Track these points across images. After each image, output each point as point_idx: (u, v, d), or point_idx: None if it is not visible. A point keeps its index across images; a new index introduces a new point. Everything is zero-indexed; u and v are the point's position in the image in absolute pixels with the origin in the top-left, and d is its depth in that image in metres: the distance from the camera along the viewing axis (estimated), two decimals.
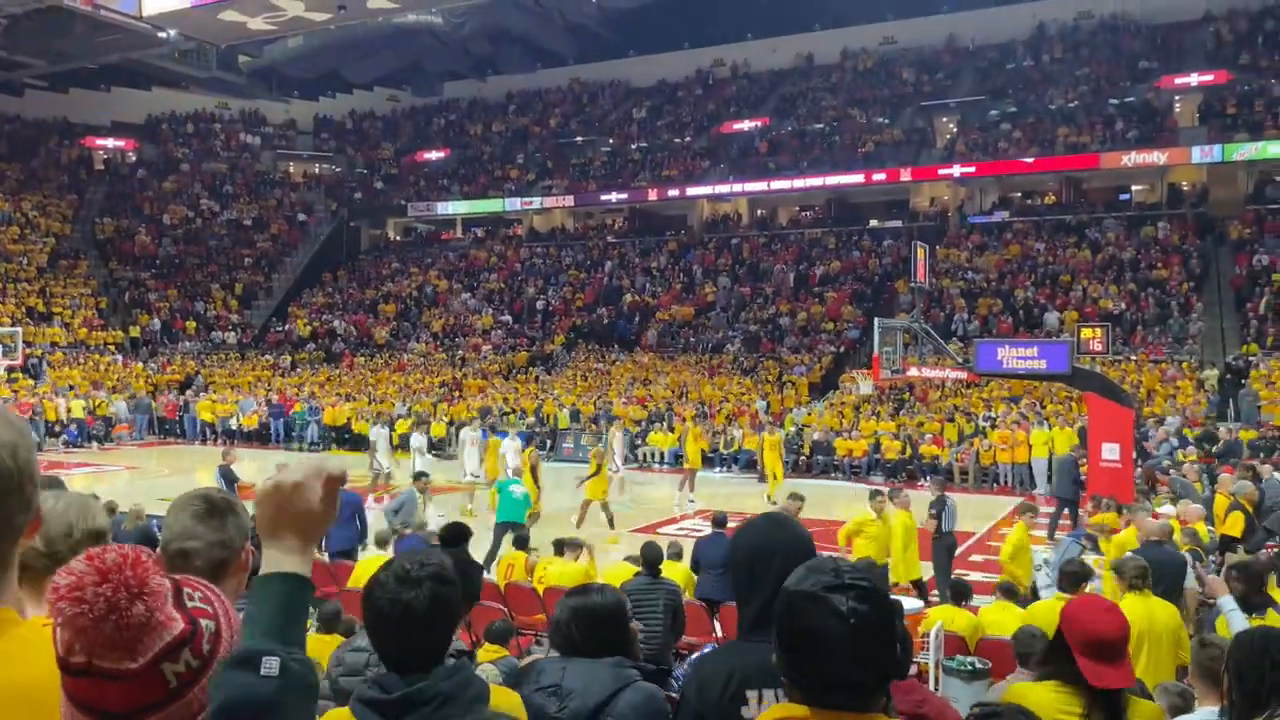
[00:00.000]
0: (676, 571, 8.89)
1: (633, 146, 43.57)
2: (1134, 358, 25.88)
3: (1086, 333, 18.77)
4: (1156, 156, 31.90)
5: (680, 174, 40.25)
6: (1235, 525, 9.92)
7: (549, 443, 25.20)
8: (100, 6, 28.73)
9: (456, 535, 6.01)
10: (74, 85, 43.54)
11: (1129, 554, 6.93)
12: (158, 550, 1.87)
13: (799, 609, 1.56)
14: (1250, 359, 24.63)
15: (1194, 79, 34.41)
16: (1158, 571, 7.30)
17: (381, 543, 9.64)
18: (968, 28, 41.45)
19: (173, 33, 32.59)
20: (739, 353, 31.39)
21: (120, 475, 22.90)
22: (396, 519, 11.44)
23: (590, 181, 41.97)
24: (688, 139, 42.85)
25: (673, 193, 39.48)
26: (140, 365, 34.84)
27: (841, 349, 30.18)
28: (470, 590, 2.96)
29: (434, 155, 47.75)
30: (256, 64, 42.77)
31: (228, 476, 13.78)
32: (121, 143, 46.53)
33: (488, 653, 6.45)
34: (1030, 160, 33.87)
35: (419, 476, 12.44)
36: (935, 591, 10.77)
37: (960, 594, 8.00)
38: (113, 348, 35.88)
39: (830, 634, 1.52)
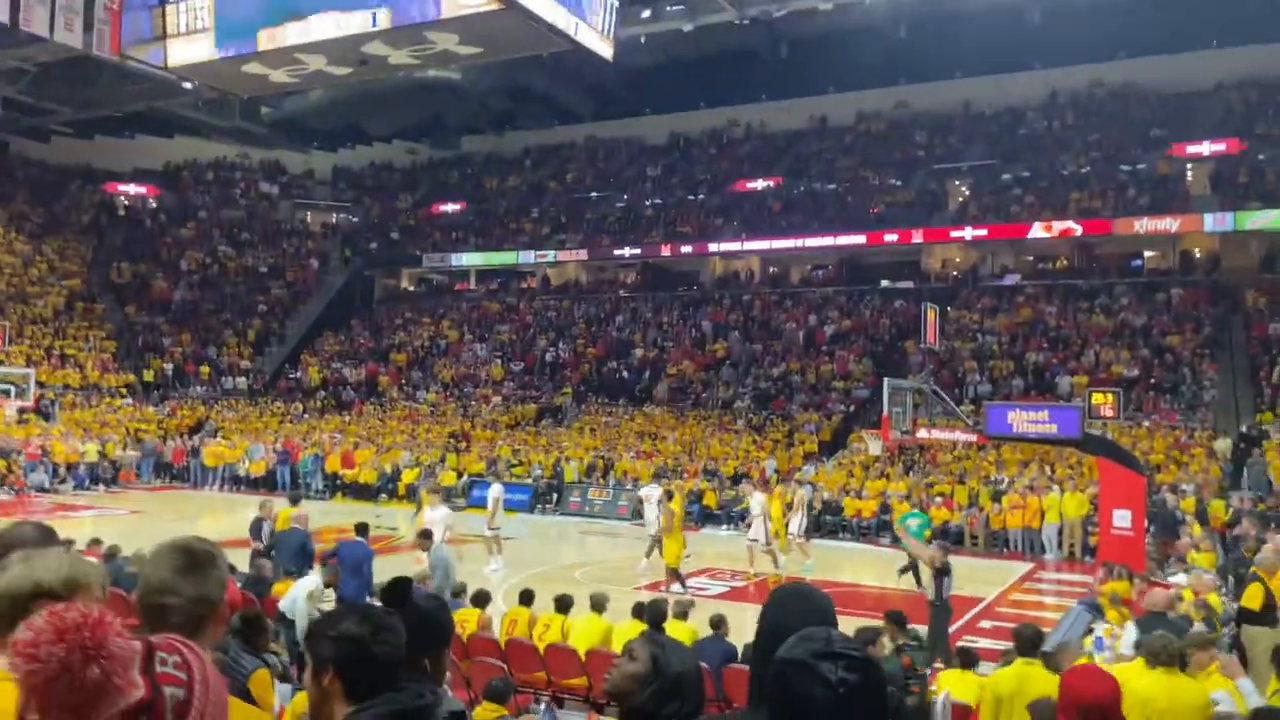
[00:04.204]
0: (681, 630, 8.79)
1: (647, 203, 43.95)
2: (1146, 424, 25.68)
3: (1098, 398, 18.63)
4: (1169, 223, 31.94)
5: (693, 231, 40.52)
6: (1254, 599, 9.69)
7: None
8: (128, 57, 29.27)
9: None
10: (99, 132, 44.29)
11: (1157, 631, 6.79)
12: (135, 598, 1.82)
13: (788, 677, 1.54)
14: (1265, 428, 24.39)
15: (1206, 148, 34.57)
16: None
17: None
18: (981, 93, 41.83)
19: (196, 83, 33.16)
20: (749, 409, 31.31)
21: (126, 519, 22.86)
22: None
23: (604, 236, 42.27)
24: (701, 196, 43.19)
25: (685, 249, 39.71)
26: (150, 409, 34.96)
27: (851, 408, 30.08)
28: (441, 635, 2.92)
29: (450, 207, 48.23)
30: (277, 115, 43.43)
31: (255, 530, 13.79)
32: (143, 189, 47.22)
33: (486, 711, 6.36)
34: (1042, 224, 33.89)
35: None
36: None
37: (968, 661, 7.89)
38: (124, 391, 36.03)
39: (818, 702, 1.50)
